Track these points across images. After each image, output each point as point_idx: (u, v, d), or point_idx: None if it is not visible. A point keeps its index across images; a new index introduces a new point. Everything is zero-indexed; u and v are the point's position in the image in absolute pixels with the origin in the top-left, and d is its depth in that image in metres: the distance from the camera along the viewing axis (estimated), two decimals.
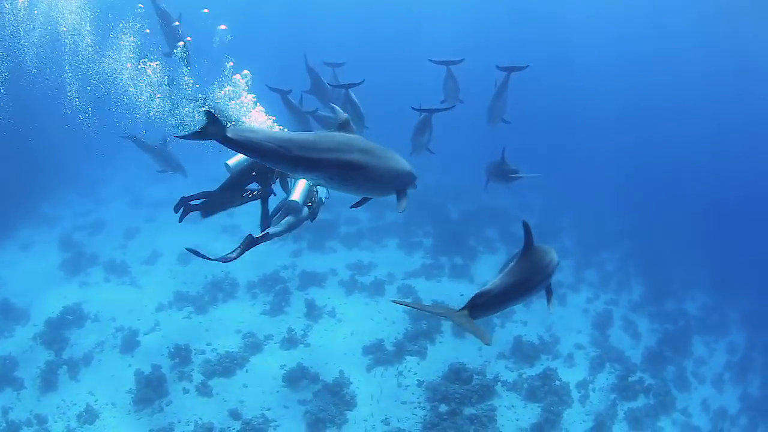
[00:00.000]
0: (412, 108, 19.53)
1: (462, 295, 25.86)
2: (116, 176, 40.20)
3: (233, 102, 12.41)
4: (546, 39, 68.69)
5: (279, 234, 11.02)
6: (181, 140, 7.77)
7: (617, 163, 51.57)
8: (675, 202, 45.08)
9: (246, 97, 12.48)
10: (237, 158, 10.63)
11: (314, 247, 29.81)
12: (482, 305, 8.10)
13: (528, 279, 8.55)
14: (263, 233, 10.75)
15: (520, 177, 19.86)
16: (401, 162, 9.20)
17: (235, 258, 10.26)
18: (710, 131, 61.75)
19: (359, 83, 18.96)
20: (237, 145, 7.65)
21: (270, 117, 12.35)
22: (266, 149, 7.75)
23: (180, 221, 10.88)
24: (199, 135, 7.42)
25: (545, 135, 52.90)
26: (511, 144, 20.47)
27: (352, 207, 10.22)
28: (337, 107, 9.28)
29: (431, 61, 21.60)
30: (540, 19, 67.44)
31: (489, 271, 28.76)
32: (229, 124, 7.45)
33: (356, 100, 19.05)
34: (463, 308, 8.02)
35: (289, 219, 11.19)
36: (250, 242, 10.39)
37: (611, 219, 39.24)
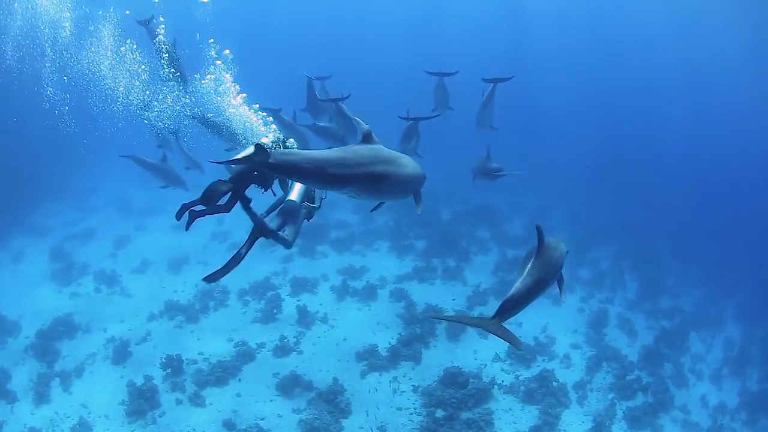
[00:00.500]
0: (399, 117, 19.80)
1: (454, 299, 25.94)
2: (105, 184, 40.10)
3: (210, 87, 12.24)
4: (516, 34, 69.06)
5: (287, 241, 11.22)
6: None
7: (606, 161, 51.64)
8: (665, 197, 45.03)
9: (228, 85, 12.32)
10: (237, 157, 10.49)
11: (305, 252, 29.58)
12: (509, 309, 8.54)
13: (545, 276, 8.98)
14: (272, 230, 10.84)
15: (504, 174, 20.42)
16: (416, 167, 9.84)
17: (245, 254, 10.31)
18: (699, 124, 61.83)
19: (346, 97, 19.33)
20: (277, 169, 8.19)
21: (253, 106, 12.16)
22: (304, 170, 8.24)
23: (187, 229, 10.73)
24: (244, 161, 8.25)
25: (530, 134, 52.83)
26: (500, 144, 21.12)
27: (371, 210, 11.07)
28: (360, 120, 9.72)
29: (427, 72, 21.93)
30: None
31: (482, 273, 28.82)
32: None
33: (348, 113, 19.22)
34: (495, 316, 8.47)
35: (292, 227, 11.39)
36: (258, 231, 10.57)
37: (602, 216, 39.16)
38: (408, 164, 9.58)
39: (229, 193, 10.47)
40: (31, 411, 19.29)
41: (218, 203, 10.62)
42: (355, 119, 10.47)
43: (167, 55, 16.62)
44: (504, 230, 34.72)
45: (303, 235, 27.73)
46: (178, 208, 10.71)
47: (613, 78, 68.57)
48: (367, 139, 9.27)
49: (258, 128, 12.12)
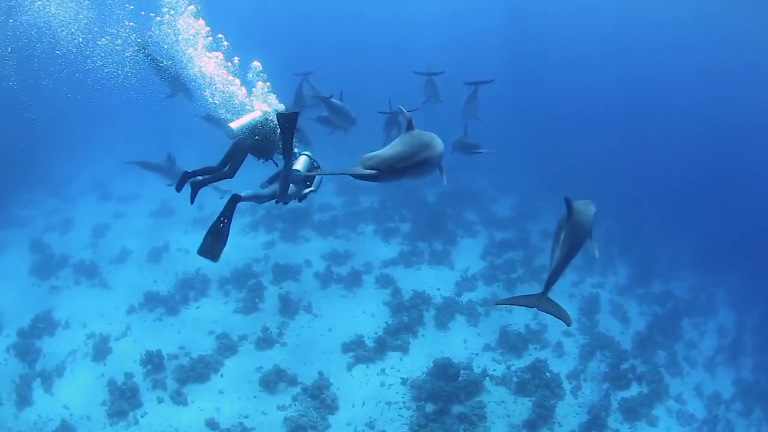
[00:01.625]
0: (378, 112, 21.51)
1: (439, 289, 25.39)
2: (85, 171, 39.35)
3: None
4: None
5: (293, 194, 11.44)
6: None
7: (595, 141, 51.10)
8: (656, 180, 44.54)
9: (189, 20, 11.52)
10: (240, 122, 10.69)
11: (287, 237, 29.03)
12: (553, 281, 9.77)
13: (578, 242, 10.12)
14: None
15: (481, 151, 21.61)
16: (441, 144, 10.44)
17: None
18: (692, 111, 61.47)
19: (331, 96, 20.63)
20: (362, 176, 8.79)
21: (214, 53, 11.45)
22: (382, 171, 8.84)
23: (192, 202, 10.85)
24: (368, 178, 8.76)
25: (516, 117, 52.56)
26: (485, 129, 23.29)
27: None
28: (404, 109, 10.36)
29: (415, 72, 24.38)
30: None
31: (470, 256, 28.49)
32: None
33: (341, 106, 20.75)
34: (544, 292, 9.71)
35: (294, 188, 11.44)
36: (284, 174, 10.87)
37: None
38: (438, 144, 10.27)
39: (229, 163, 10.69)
40: (15, 414, 18.71)
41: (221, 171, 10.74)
42: (399, 107, 10.97)
43: (159, 65, 15.67)
44: (491, 212, 34.22)
45: (285, 218, 27.41)
46: (179, 178, 10.80)
47: (597, 59, 68.65)
48: (410, 127, 9.92)
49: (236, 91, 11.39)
